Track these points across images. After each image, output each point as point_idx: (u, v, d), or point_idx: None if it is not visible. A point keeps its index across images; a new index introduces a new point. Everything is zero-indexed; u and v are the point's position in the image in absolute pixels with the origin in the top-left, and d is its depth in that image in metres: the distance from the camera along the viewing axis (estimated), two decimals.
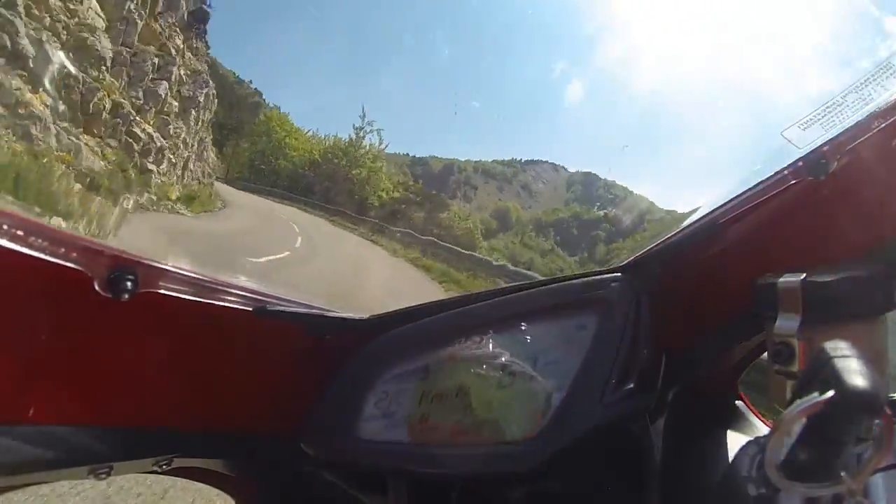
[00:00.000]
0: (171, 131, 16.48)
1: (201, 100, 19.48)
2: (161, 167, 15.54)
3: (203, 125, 20.81)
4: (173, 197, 15.62)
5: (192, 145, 19.17)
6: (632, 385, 0.71)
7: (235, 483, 0.87)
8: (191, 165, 19.22)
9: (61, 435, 0.58)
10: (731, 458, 0.61)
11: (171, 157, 16.48)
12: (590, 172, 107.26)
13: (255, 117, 50.82)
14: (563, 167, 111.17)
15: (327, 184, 43.90)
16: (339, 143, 47.64)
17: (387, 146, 48.84)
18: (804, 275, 0.49)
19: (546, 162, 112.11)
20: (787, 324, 0.49)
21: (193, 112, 18.90)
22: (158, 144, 15.32)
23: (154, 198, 14.25)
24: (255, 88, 61.05)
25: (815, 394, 0.38)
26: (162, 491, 2.51)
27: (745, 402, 0.90)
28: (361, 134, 46.87)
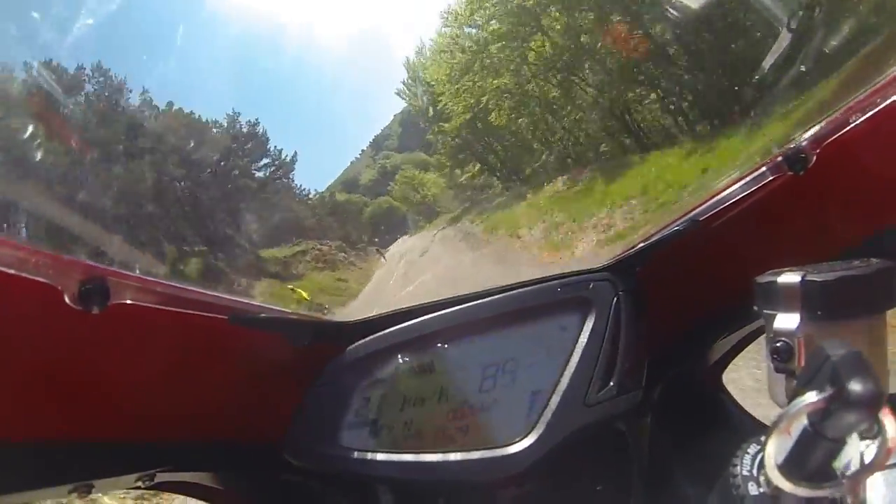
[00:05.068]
0: None
1: None
2: None
3: None
4: None
5: None
6: (616, 384, 0.71)
7: (220, 495, 0.84)
8: None
9: (38, 453, 0.56)
10: (721, 454, 0.62)
11: None
12: None
13: None
14: None
15: None
16: None
17: None
18: (804, 272, 0.49)
19: None
20: (786, 322, 0.49)
21: None
22: None
23: None
24: None
25: (815, 392, 0.38)
26: None
27: (729, 397, 0.91)
28: None
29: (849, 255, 0.54)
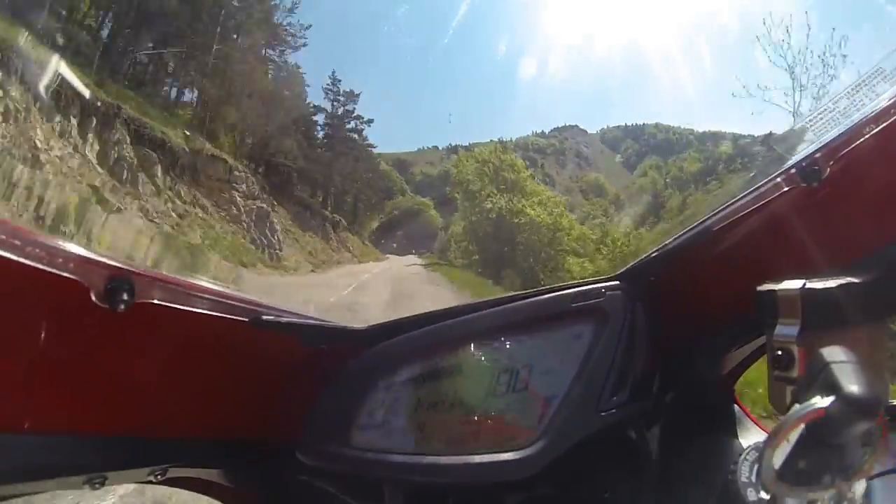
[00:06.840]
0: None
1: None
2: None
3: None
4: None
5: None
6: (628, 392, 0.71)
7: (232, 493, 0.86)
8: None
9: (57, 444, 0.57)
10: (728, 463, 0.61)
11: None
12: (621, 125, 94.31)
13: None
14: (583, 129, 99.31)
15: None
16: None
17: None
18: (804, 282, 0.49)
19: (574, 126, 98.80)
20: (786, 330, 0.49)
21: None
22: None
23: None
24: None
25: (814, 399, 0.38)
26: None
27: (741, 407, 0.90)
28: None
29: (858, 267, 0.54)
